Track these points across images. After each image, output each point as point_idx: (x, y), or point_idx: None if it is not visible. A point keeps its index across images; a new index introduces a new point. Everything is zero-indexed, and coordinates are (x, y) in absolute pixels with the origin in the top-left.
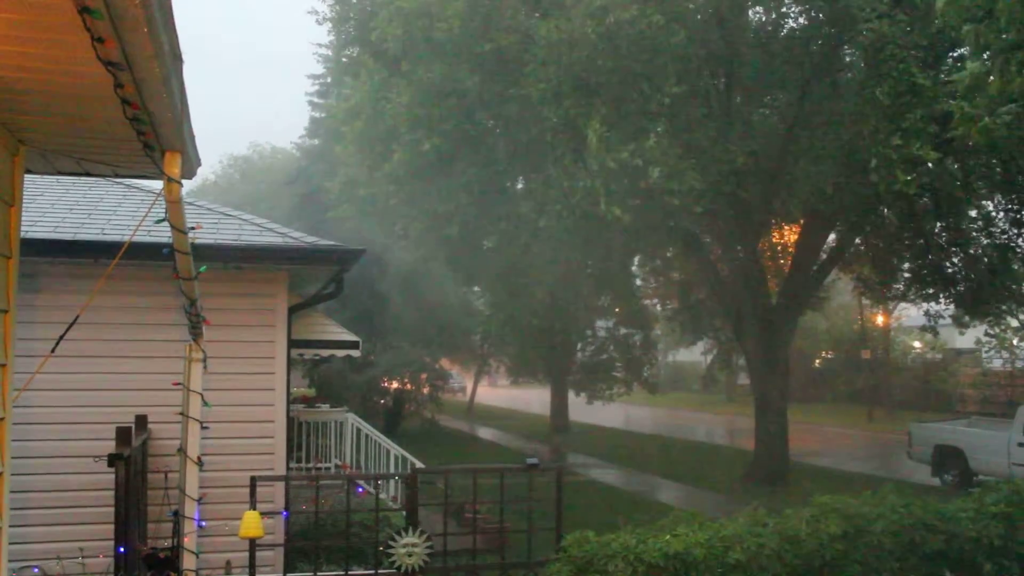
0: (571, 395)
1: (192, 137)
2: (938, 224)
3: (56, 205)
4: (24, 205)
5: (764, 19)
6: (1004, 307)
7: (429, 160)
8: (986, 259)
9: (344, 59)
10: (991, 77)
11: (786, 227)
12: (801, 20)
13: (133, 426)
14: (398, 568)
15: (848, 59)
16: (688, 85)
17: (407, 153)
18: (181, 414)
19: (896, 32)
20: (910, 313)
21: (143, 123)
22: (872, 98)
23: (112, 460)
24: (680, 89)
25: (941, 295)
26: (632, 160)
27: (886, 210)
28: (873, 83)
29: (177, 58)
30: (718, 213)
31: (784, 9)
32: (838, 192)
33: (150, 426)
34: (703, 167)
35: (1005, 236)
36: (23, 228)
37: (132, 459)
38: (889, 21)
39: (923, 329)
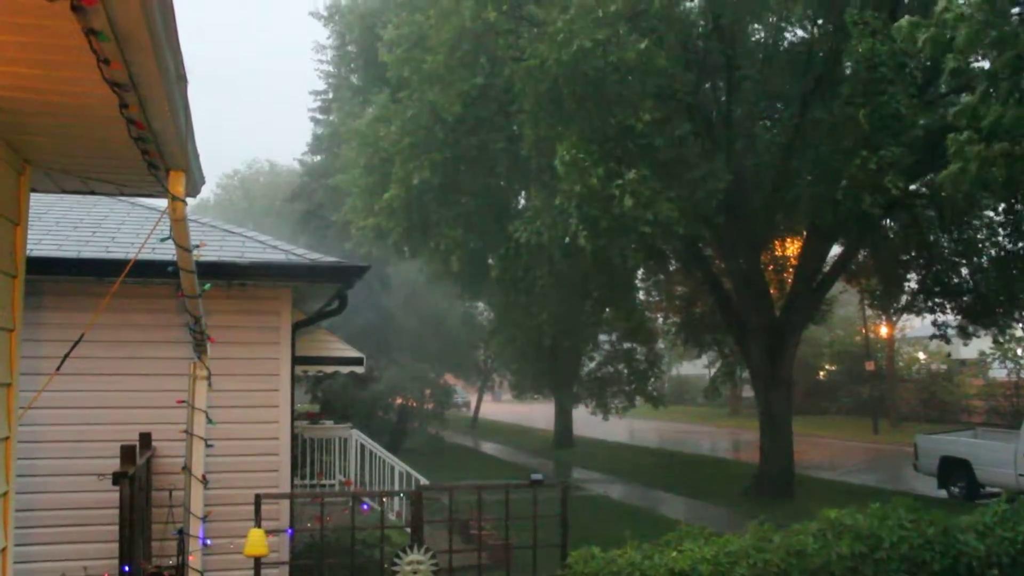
0: (575, 409)
1: (196, 155)
2: (942, 235)
3: (60, 223)
4: (29, 223)
5: (764, 34)
6: (1011, 317)
7: (422, 192)
8: (991, 269)
9: (351, 74)
10: (985, 107)
11: (789, 240)
12: (800, 33)
13: (137, 444)
14: None
15: (848, 71)
16: (670, 105)
17: (400, 188)
18: (186, 432)
19: (887, 53)
20: (914, 324)
21: (148, 142)
22: (853, 117)
23: (117, 478)
24: (655, 116)
25: (947, 306)
26: (606, 189)
27: (889, 222)
28: (861, 101)
29: (181, 78)
30: (700, 237)
31: (784, 23)
32: (835, 205)
33: (154, 444)
34: (686, 188)
35: (1009, 245)
36: (27, 246)
37: (136, 477)
38: (882, 38)
39: (933, 337)
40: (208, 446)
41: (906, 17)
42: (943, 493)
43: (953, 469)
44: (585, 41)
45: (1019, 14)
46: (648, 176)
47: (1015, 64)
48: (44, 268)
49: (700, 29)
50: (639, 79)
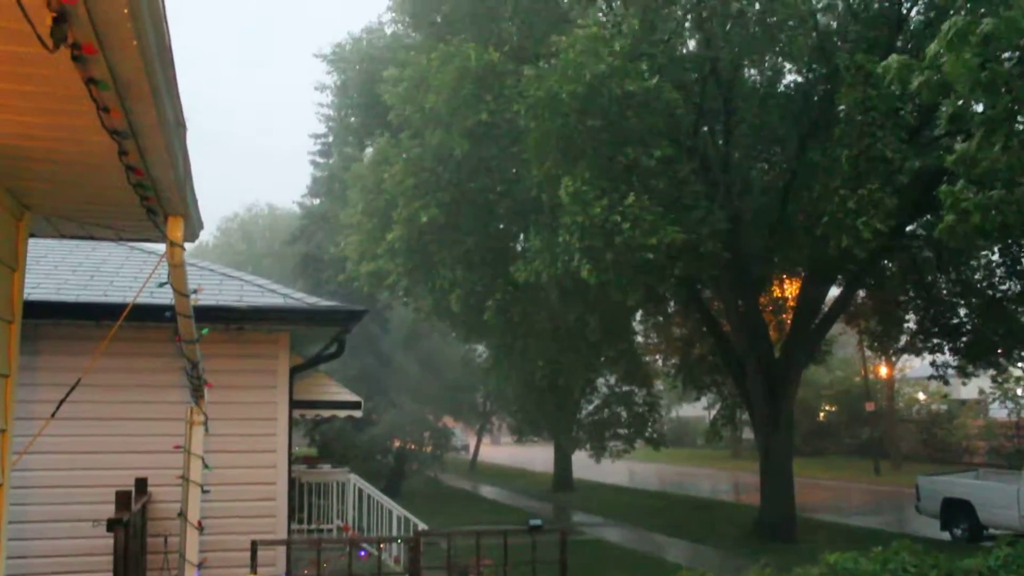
0: (575, 453)
1: (195, 201)
2: (940, 275)
3: (58, 267)
4: (27, 267)
5: (760, 78)
6: (1009, 356)
7: (425, 233)
8: (989, 309)
9: (351, 116)
10: (980, 152)
11: (788, 280)
12: (797, 78)
13: (133, 490)
14: None
15: (841, 114)
16: (677, 144)
17: (404, 228)
18: (182, 478)
19: (879, 97)
20: (913, 364)
21: (146, 189)
22: (836, 159)
23: (111, 525)
24: (668, 151)
25: (945, 346)
26: (608, 216)
27: (887, 263)
28: (847, 143)
29: (180, 125)
30: (701, 276)
31: (781, 61)
32: (826, 245)
33: (150, 489)
34: (688, 227)
35: (1006, 287)
36: (25, 290)
37: (131, 524)
38: (875, 81)
39: (932, 377)
40: (204, 492)
41: (894, 56)
42: (946, 535)
43: (956, 511)
44: (600, 65)
45: (1009, 58)
46: (648, 204)
47: (1010, 109)
48: (42, 312)
49: (697, 73)
50: (650, 115)
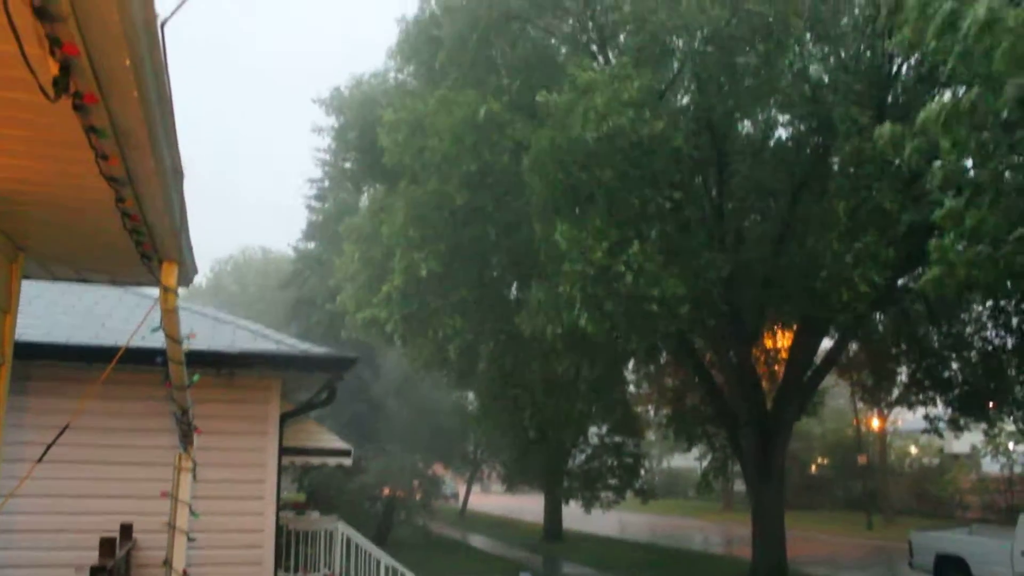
0: (565, 503)
1: (190, 248)
2: (932, 328)
3: (50, 308)
4: (18, 307)
5: (753, 130)
6: (1001, 410)
7: (423, 283)
8: (980, 363)
9: (346, 161)
10: (968, 210)
11: (780, 332)
12: (789, 130)
13: (118, 536)
14: None
15: (836, 168)
16: (683, 190)
17: (400, 278)
18: (168, 524)
19: (875, 153)
20: (906, 417)
21: (142, 234)
22: (833, 211)
23: (94, 573)
24: (680, 194)
25: (938, 399)
26: (611, 264)
27: (879, 315)
28: (843, 194)
29: (178, 173)
30: (702, 322)
31: (772, 120)
32: (821, 299)
33: (136, 536)
34: (692, 273)
35: (998, 340)
36: (16, 331)
37: (115, 571)
38: (869, 135)
39: (925, 431)
40: (190, 540)
41: (888, 124)
42: None
43: (949, 567)
44: (622, 120)
45: (995, 122)
46: (651, 251)
47: (997, 171)
48: (31, 353)
49: (694, 124)
50: (658, 160)
